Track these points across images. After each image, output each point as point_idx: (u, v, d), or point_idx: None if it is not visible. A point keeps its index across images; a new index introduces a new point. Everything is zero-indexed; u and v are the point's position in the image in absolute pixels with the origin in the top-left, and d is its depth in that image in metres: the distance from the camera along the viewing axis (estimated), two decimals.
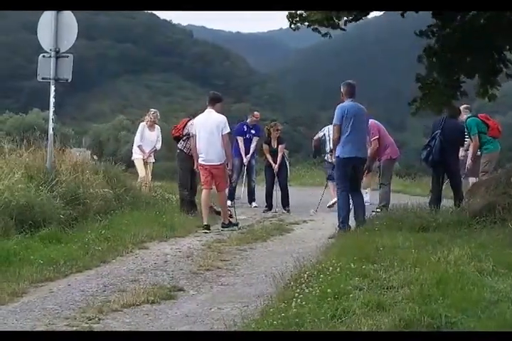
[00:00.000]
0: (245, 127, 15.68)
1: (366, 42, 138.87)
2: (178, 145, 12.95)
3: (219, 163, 11.40)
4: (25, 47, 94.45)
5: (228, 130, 11.55)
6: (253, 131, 15.65)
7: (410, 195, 16.62)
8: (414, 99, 11.40)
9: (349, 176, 10.44)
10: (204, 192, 11.58)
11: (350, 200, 10.55)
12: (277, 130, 14.99)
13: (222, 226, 11.43)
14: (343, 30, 10.67)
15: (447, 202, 11.65)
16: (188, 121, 12.71)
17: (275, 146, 14.91)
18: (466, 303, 4.96)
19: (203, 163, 11.47)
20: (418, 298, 5.24)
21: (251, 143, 15.64)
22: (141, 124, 15.45)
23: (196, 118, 11.84)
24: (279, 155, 14.86)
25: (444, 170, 11.77)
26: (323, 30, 10.79)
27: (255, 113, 16.22)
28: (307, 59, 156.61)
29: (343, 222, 10.30)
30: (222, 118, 11.46)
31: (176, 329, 5.17)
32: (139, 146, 15.18)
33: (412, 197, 14.06)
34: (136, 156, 15.30)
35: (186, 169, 12.67)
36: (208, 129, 11.39)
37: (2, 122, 64.32)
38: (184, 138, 12.74)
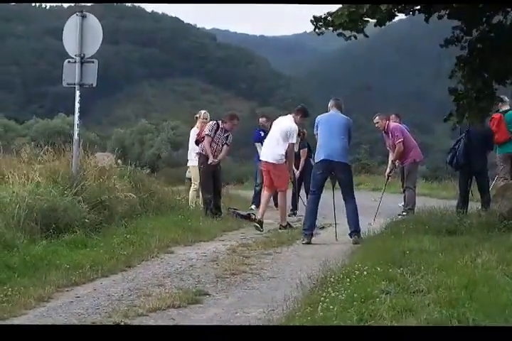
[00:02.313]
0: (262, 133, 15.21)
1: (391, 45, 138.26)
2: (198, 148, 13.09)
3: (273, 162, 11.78)
4: (50, 52, 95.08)
5: (294, 140, 12.02)
6: None
7: (437, 198, 16.50)
8: (450, 112, 11.13)
9: (321, 181, 10.55)
10: (264, 192, 12.22)
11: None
12: (298, 135, 14.88)
13: (280, 228, 11.67)
14: (366, 36, 10.68)
15: (475, 205, 11.56)
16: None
17: (297, 151, 14.85)
18: (494, 307, 4.91)
19: (261, 158, 12.20)
20: (445, 301, 5.20)
21: None
22: (193, 130, 14.42)
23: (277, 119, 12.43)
24: (302, 159, 14.86)
25: (470, 173, 11.67)
26: (348, 33, 10.80)
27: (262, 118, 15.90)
28: (332, 61, 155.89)
29: (306, 228, 10.28)
30: (293, 127, 11.94)
31: None
32: (198, 153, 13.76)
33: (439, 201, 13.95)
34: (195, 163, 13.84)
35: (207, 172, 12.68)
36: (276, 130, 11.95)
37: (28, 127, 64.62)
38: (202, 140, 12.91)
